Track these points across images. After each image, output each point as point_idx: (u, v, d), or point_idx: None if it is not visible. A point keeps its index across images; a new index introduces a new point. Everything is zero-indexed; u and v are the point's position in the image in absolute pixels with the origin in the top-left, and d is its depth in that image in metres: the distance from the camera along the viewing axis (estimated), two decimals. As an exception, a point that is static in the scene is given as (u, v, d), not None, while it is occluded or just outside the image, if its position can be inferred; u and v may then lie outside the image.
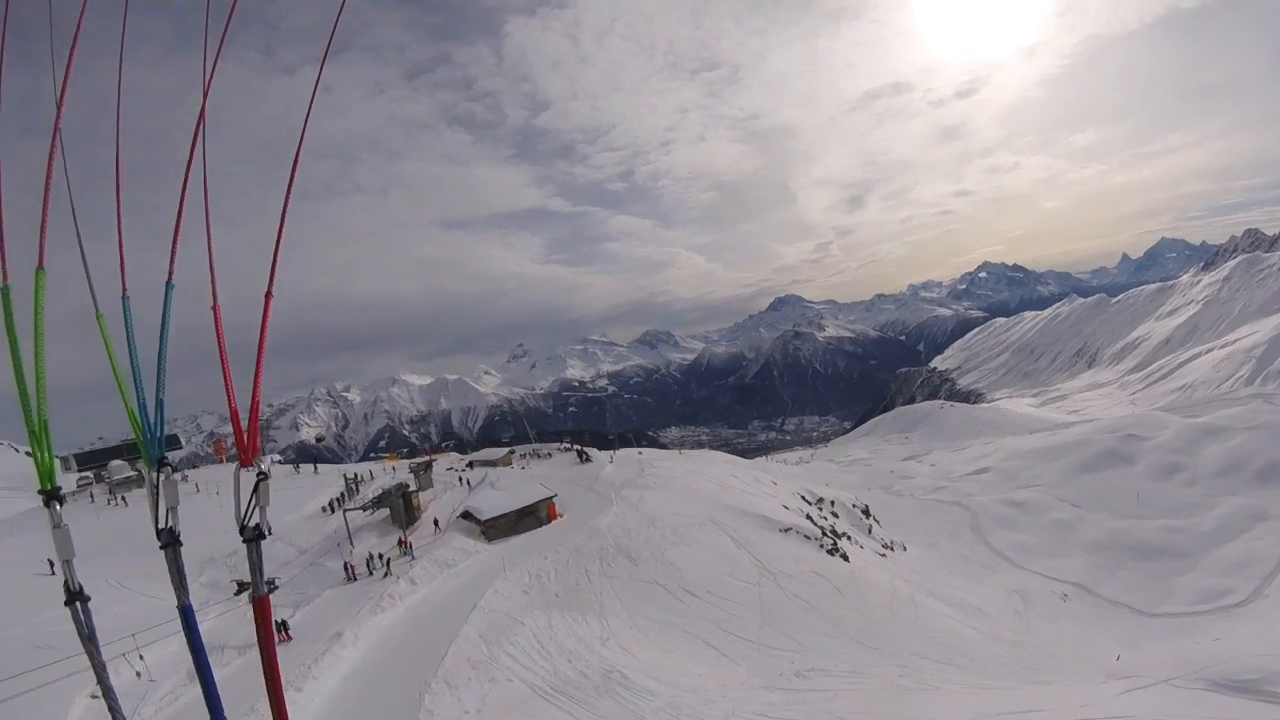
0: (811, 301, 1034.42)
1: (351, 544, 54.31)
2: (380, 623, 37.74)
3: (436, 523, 59.22)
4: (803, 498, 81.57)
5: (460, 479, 75.01)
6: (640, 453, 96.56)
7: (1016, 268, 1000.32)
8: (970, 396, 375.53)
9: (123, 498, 73.24)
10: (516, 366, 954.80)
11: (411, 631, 36.88)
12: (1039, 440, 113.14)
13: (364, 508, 59.85)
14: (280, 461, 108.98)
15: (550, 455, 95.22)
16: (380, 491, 63.09)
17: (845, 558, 61.68)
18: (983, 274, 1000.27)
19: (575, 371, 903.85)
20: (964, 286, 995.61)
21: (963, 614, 56.41)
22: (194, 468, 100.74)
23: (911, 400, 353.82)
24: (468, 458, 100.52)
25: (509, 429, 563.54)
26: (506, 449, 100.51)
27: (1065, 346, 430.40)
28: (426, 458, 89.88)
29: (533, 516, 60.28)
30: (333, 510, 61.68)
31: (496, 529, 57.41)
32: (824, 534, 65.28)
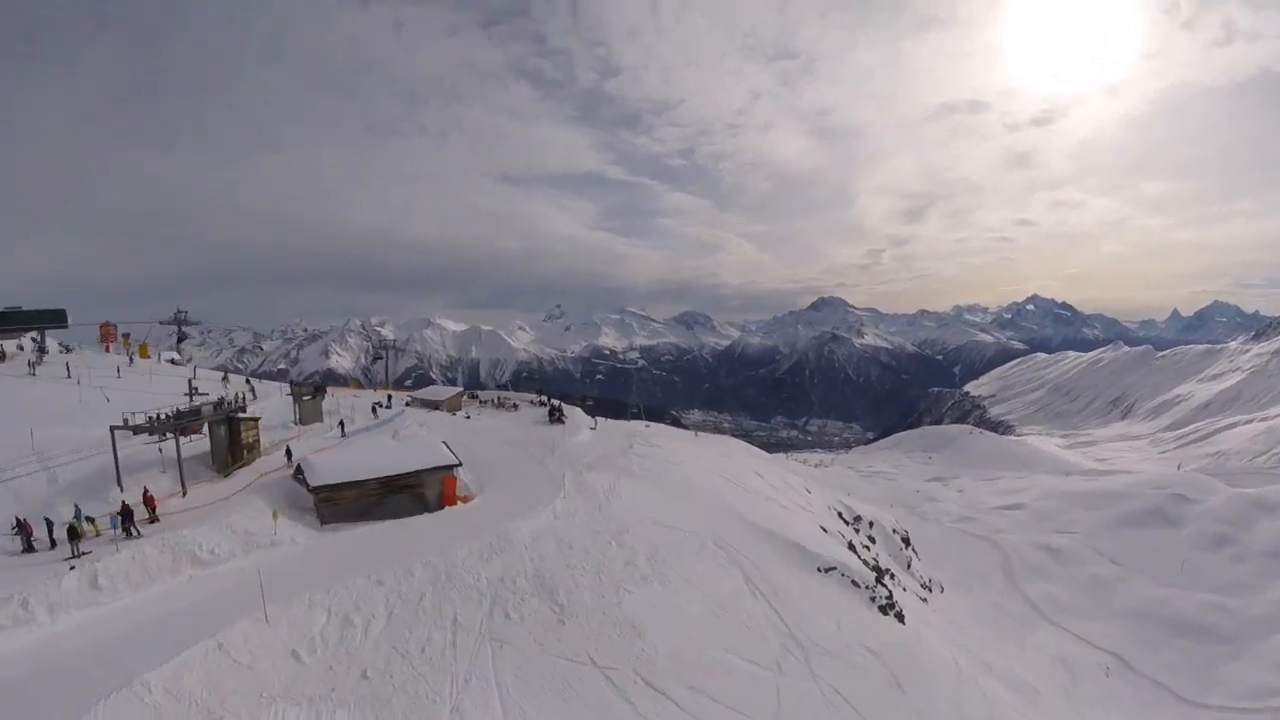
0: (854, 307, 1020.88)
1: (120, 485, 38.93)
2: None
3: (289, 454, 45.71)
4: (839, 515, 69.77)
5: (344, 421, 59.44)
6: (647, 425, 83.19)
7: (1065, 306, 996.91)
8: (999, 427, 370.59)
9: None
10: (551, 326, 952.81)
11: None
12: (1077, 484, 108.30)
13: (148, 429, 41.57)
14: (175, 361, 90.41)
15: (515, 407, 79.93)
16: (187, 408, 44.00)
17: (901, 617, 46.59)
18: (1030, 306, 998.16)
19: (608, 340, 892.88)
20: (1009, 316, 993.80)
21: (1019, 695, 47.96)
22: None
23: (939, 421, 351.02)
24: (405, 394, 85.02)
25: (533, 386, 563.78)
26: (458, 390, 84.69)
27: (1103, 393, 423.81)
28: (315, 383, 73.56)
29: (409, 494, 42.52)
30: (152, 433, 42.59)
31: (340, 505, 39.60)
32: (878, 579, 49.68)
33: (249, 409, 56.35)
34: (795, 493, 67.47)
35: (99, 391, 58.20)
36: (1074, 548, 79.63)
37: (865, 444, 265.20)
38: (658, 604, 34.29)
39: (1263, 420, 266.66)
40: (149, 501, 36.33)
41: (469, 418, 70.62)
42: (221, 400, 47.12)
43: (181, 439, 43.00)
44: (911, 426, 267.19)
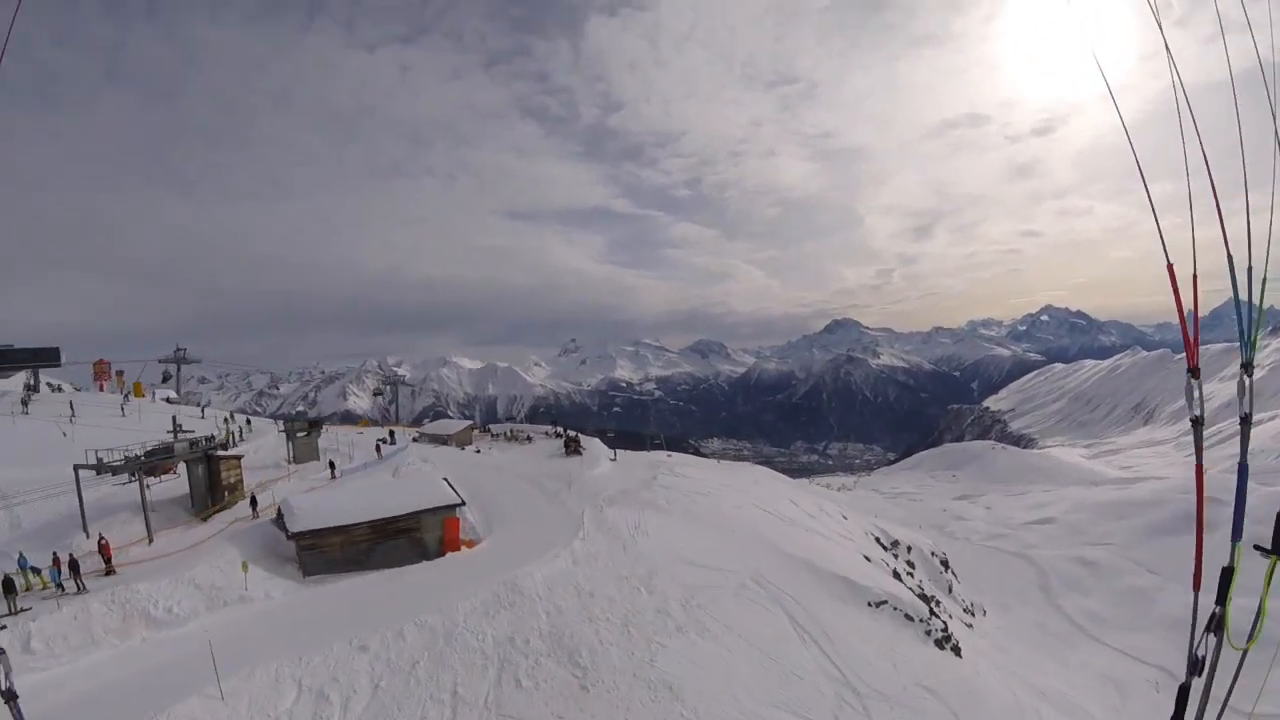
0: (868, 328, 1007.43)
1: (85, 531, 35.24)
2: None
3: (254, 502, 40.92)
4: (877, 540, 66.65)
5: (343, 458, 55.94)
6: (668, 455, 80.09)
7: (1079, 314, 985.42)
8: (1021, 440, 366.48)
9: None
10: (566, 361, 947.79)
11: None
12: (1107, 494, 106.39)
13: (113, 469, 37.93)
14: (171, 399, 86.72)
15: (529, 439, 76.02)
16: (155, 445, 40.74)
17: (957, 650, 43.26)
18: (1044, 317, 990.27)
19: (624, 372, 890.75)
20: (1024, 328, 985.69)
21: None
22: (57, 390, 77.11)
23: (960, 438, 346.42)
24: (412, 430, 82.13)
25: (550, 421, 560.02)
26: (467, 423, 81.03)
27: (1123, 400, 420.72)
28: (310, 418, 69.25)
29: (405, 539, 37.79)
30: (116, 472, 39.35)
31: (325, 554, 35.04)
32: (931, 610, 45.91)
33: (242, 447, 53.46)
34: (832, 520, 63.30)
35: (86, 429, 54.07)
36: (1109, 559, 77.65)
37: (887, 465, 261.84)
38: (696, 658, 29.57)
39: None
40: (104, 550, 32.14)
41: (479, 452, 66.91)
42: (200, 437, 43.23)
43: (155, 479, 39.69)
44: (933, 445, 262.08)
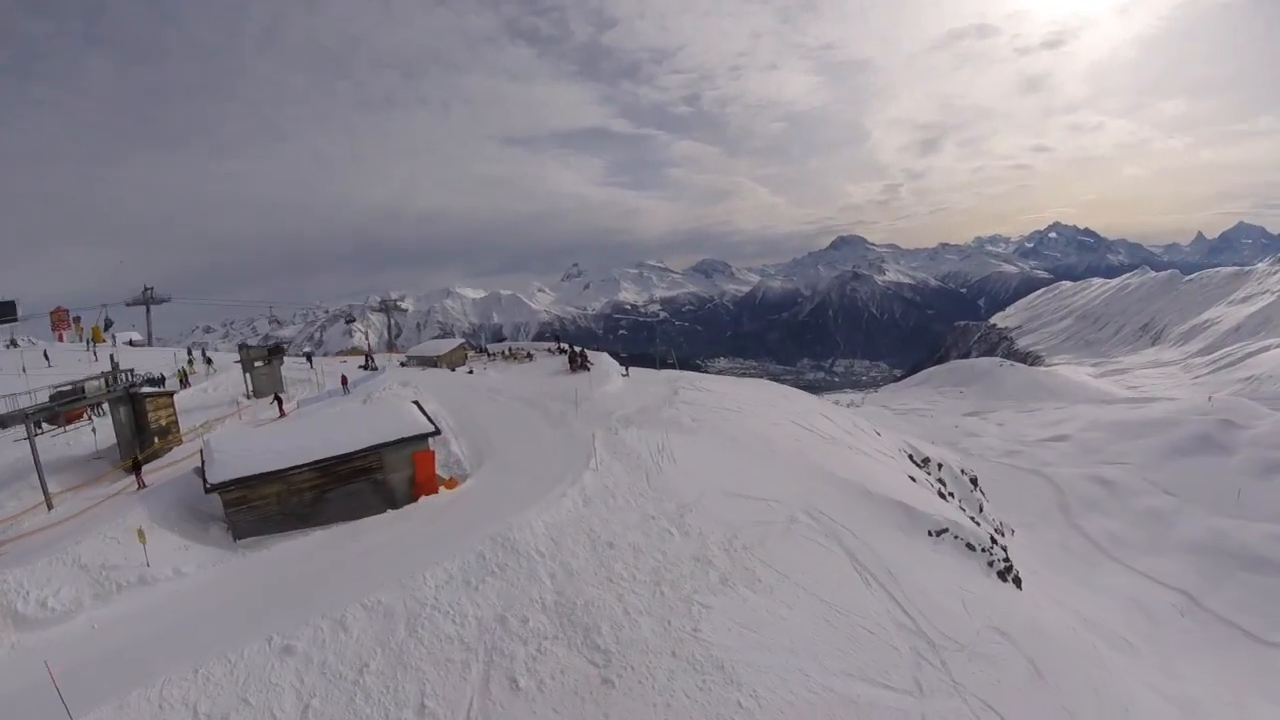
0: (874, 244, 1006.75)
1: None
2: None
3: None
4: (910, 458, 61.39)
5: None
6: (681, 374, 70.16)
7: (1088, 232, 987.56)
8: (1028, 358, 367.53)
9: None
10: (570, 286, 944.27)
11: None
12: (1121, 413, 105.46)
13: (33, 417, 29.18)
14: (133, 342, 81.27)
15: (530, 357, 69.30)
16: (70, 386, 33.73)
17: (1019, 582, 40.03)
18: (1053, 234, 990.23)
19: (628, 295, 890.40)
20: (1032, 245, 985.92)
21: (1121, 654, 42.29)
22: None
23: (967, 355, 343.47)
24: (398, 355, 75.00)
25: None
26: (458, 341, 73.05)
27: (1131, 319, 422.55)
28: (271, 344, 59.65)
29: (366, 483, 30.12)
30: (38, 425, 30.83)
31: (260, 510, 27.65)
32: (992, 538, 41.93)
33: (202, 383, 47.99)
34: (869, 437, 57.36)
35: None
36: (1126, 480, 77.45)
37: (894, 382, 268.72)
38: (749, 620, 23.12)
39: None
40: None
41: (471, 373, 59.70)
42: (123, 372, 35.26)
43: (56, 428, 33.71)
44: (939, 362, 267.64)
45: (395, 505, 29.83)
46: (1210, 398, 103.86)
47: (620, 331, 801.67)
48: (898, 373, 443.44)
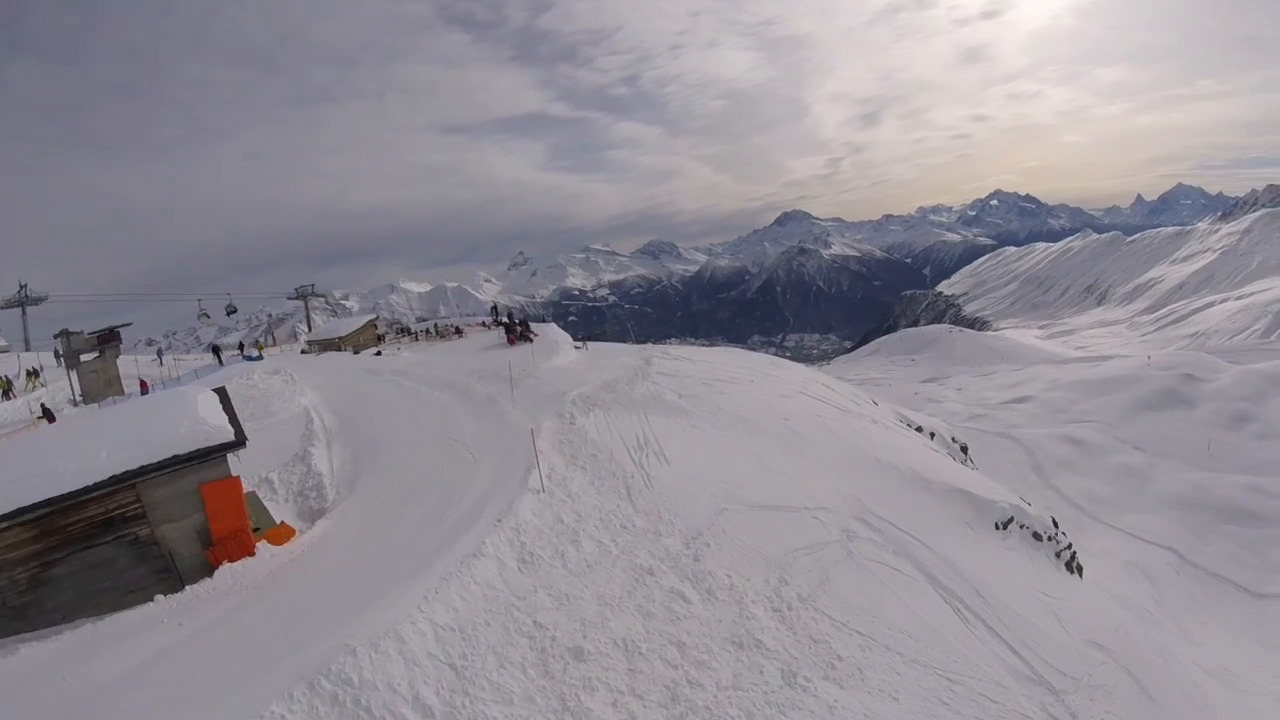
0: (818, 218, 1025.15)
1: None
2: None
3: None
4: (907, 427, 53.60)
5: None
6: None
7: (1029, 198, 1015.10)
8: (976, 323, 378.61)
9: None
10: (517, 274, 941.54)
11: None
12: (1080, 371, 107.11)
13: None
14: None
15: (459, 332, 59.45)
16: None
17: (1080, 570, 35.22)
18: (994, 202, 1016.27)
19: (576, 280, 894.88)
20: (974, 213, 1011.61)
21: (1157, 631, 37.24)
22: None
23: (916, 323, 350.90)
24: (299, 340, 67.23)
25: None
26: (367, 318, 64.91)
27: (1076, 281, 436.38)
28: (101, 331, 43.84)
29: (119, 545, 18.06)
30: None
31: None
32: (1055, 522, 36.44)
33: (35, 393, 39.35)
34: (871, 407, 50.42)
35: None
36: (1096, 438, 77.56)
37: (845, 353, 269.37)
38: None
39: (1239, 299, 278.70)
40: None
41: (379, 354, 50.49)
42: None
43: None
44: (889, 331, 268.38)
45: (177, 582, 18.03)
46: (1149, 357, 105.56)
47: (570, 317, 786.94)
48: (848, 344, 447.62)
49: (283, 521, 21.70)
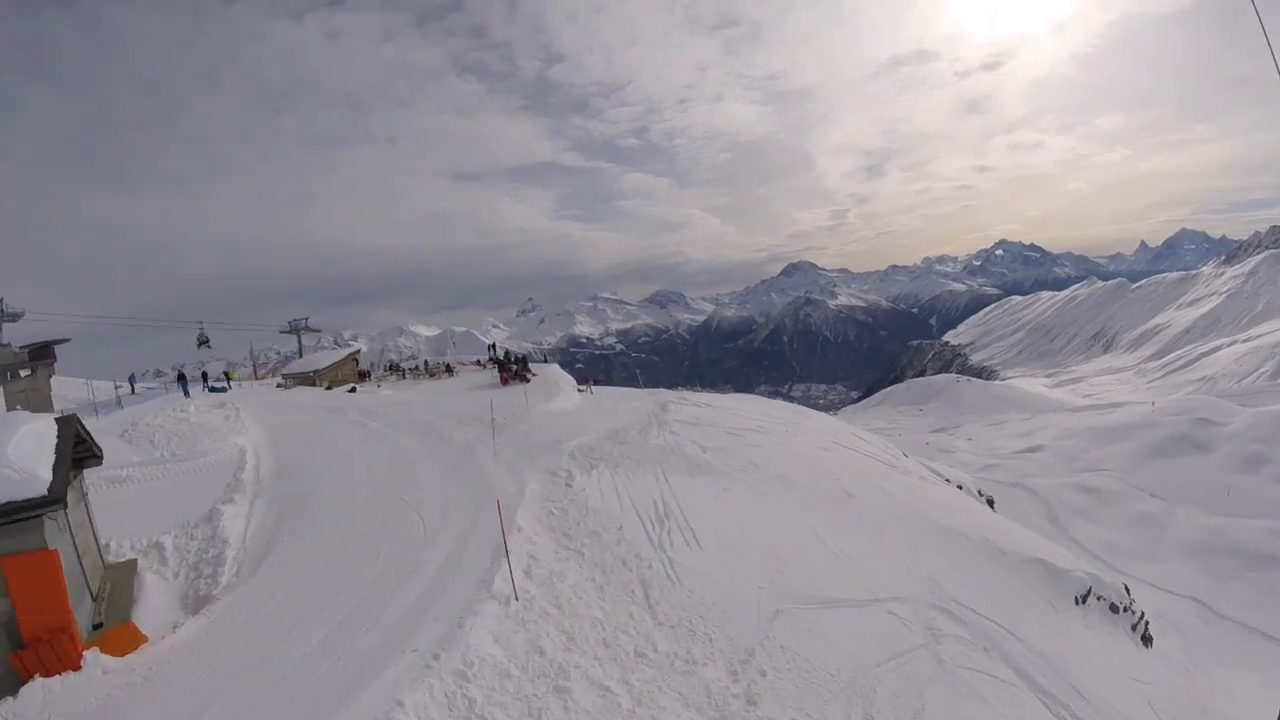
0: (824, 269, 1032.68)
1: None
2: None
3: None
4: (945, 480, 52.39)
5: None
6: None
7: (1034, 247, 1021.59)
8: (983, 373, 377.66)
9: None
10: (525, 321, 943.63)
11: None
12: (1092, 419, 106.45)
13: None
14: None
15: (448, 372, 57.15)
16: None
17: (1150, 640, 33.08)
18: (999, 251, 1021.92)
19: (584, 328, 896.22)
20: (979, 263, 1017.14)
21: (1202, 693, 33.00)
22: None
23: (922, 373, 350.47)
24: (276, 372, 63.59)
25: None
26: (348, 351, 62.82)
27: (1082, 329, 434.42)
28: (36, 345, 39.43)
29: None
30: None
31: None
32: (1126, 588, 34.79)
33: None
34: (901, 458, 47.42)
35: None
36: (1111, 486, 76.17)
37: (852, 403, 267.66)
38: None
39: (1246, 341, 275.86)
40: None
41: (353, 390, 47.51)
42: None
43: None
44: (896, 381, 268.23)
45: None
46: (1154, 403, 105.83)
47: (577, 365, 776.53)
48: (855, 394, 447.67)
49: (128, 621, 15.89)
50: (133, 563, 18.53)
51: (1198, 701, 27.99)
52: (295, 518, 21.92)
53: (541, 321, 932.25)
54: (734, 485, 26.00)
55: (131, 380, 49.20)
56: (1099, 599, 29.90)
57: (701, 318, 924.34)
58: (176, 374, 52.59)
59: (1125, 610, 31.46)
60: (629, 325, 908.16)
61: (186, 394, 43.14)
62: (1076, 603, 28.36)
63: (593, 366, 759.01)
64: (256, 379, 64.92)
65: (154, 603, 16.77)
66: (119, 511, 21.01)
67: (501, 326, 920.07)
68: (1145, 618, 33.47)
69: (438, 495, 22.72)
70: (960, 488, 50.82)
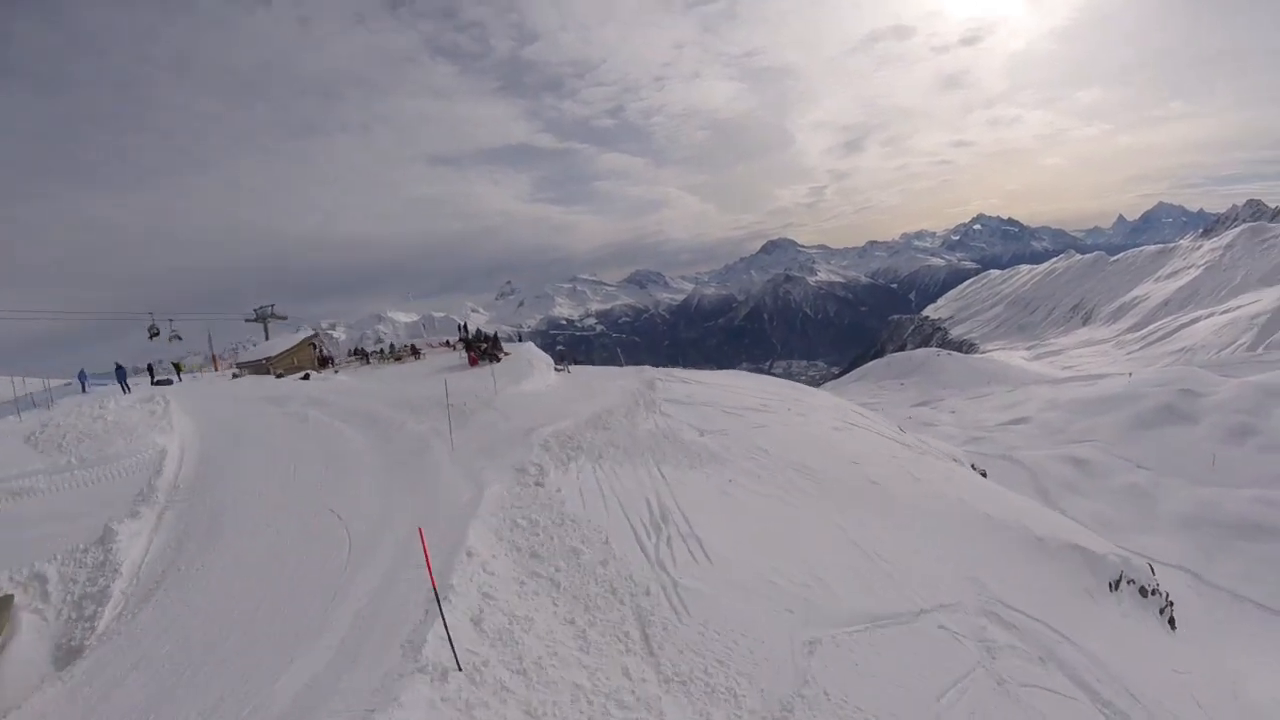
0: (804, 246, 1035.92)
1: None
2: None
3: None
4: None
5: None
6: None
7: (1012, 221, 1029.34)
8: (963, 346, 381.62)
9: None
10: (504, 304, 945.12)
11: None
12: (1076, 391, 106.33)
13: None
14: None
15: (415, 354, 53.89)
16: None
17: (1174, 623, 30.79)
18: (977, 226, 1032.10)
19: (563, 310, 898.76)
20: (958, 237, 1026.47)
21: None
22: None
23: (903, 348, 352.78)
24: (229, 364, 59.72)
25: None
26: (302, 337, 57.71)
27: (1061, 302, 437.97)
28: None
29: None
30: None
31: None
32: (1153, 570, 33.36)
33: None
34: (909, 436, 45.52)
35: None
36: (1098, 457, 76.58)
37: (833, 379, 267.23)
38: None
39: (1224, 313, 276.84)
40: None
41: (306, 378, 44.17)
42: None
43: None
44: (876, 356, 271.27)
45: None
46: (1130, 374, 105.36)
47: (558, 347, 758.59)
48: (836, 370, 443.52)
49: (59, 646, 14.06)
50: (9, 599, 15.06)
51: (1229, 687, 26.62)
52: (202, 536, 18.27)
53: (521, 304, 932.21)
54: (741, 476, 22.58)
55: (81, 378, 45.09)
56: (1129, 583, 28.29)
57: (681, 297, 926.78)
58: (115, 366, 47.14)
59: (1153, 593, 29.92)
60: (608, 306, 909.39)
61: (125, 389, 40.53)
62: (1110, 589, 26.68)
63: (573, 348, 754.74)
64: (216, 369, 61.27)
65: (25, 654, 13.55)
66: (11, 530, 18.07)
67: (480, 310, 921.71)
68: (1170, 599, 32.13)
69: (376, 504, 19.03)
70: (956, 461, 48.08)
